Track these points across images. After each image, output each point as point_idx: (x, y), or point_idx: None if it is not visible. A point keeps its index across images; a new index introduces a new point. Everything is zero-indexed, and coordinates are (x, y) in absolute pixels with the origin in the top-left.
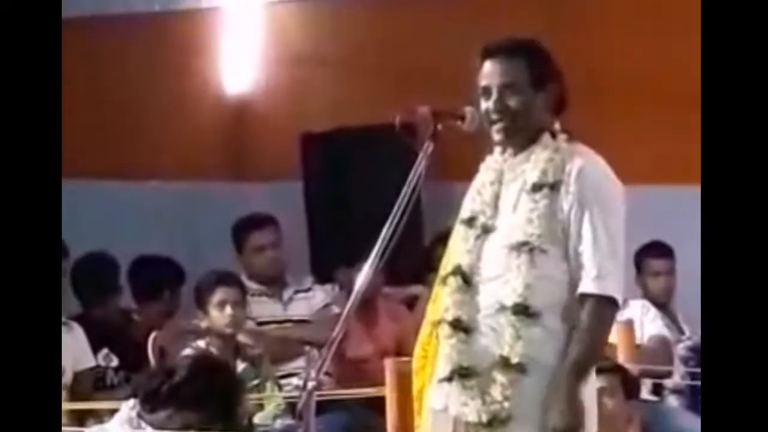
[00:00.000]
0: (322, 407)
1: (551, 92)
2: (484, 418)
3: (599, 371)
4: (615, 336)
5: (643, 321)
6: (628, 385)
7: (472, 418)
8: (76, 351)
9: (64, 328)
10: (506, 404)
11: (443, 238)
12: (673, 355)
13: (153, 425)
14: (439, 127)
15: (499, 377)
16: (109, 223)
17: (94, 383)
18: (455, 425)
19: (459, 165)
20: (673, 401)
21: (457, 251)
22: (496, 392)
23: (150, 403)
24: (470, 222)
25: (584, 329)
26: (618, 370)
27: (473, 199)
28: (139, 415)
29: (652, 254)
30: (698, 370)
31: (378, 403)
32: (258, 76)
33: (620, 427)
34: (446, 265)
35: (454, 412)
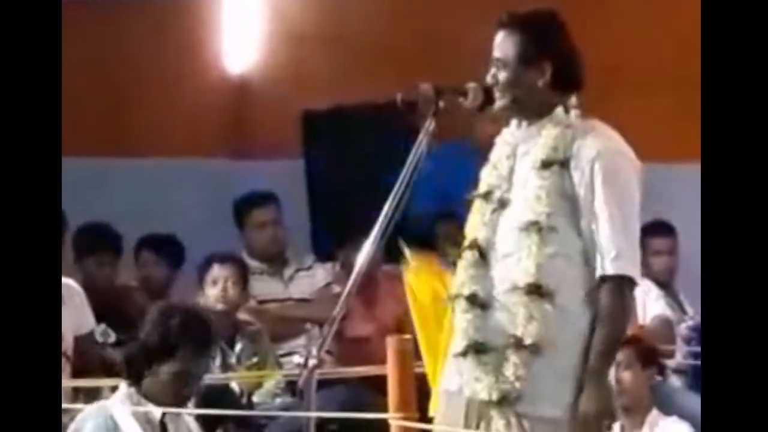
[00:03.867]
0: (323, 385)
1: (542, 69)
2: (495, 396)
3: None
4: None
5: (646, 301)
6: (644, 356)
7: (483, 395)
8: (79, 316)
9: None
10: (517, 384)
11: (444, 217)
12: (675, 335)
13: (149, 397)
14: (441, 104)
15: (513, 357)
16: (111, 201)
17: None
18: (468, 407)
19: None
20: (675, 381)
21: (473, 225)
22: (508, 371)
23: (133, 373)
24: (487, 196)
25: (605, 312)
26: (632, 342)
27: (489, 173)
28: (138, 391)
29: (654, 233)
30: (700, 349)
31: (379, 381)
32: (259, 54)
33: (640, 398)
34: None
35: (467, 392)
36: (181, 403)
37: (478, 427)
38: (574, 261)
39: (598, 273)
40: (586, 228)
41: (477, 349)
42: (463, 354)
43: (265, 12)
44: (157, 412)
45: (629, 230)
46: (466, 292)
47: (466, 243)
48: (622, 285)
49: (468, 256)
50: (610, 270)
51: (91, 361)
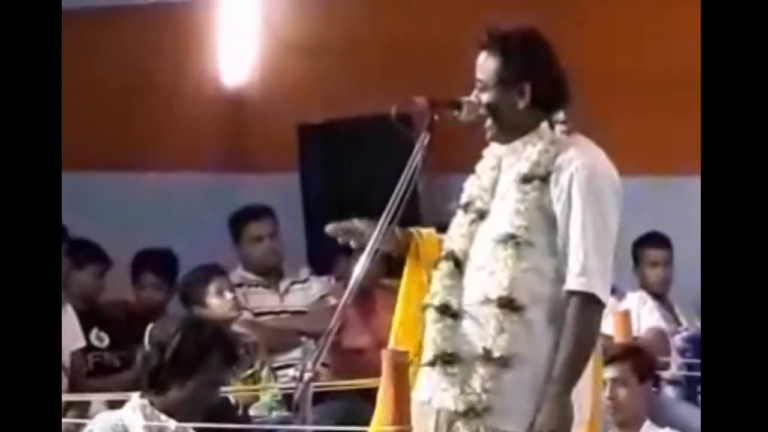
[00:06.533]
0: (319, 398)
1: (522, 91)
2: (461, 408)
3: (610, 361)
4: (612, 327)
5: (640, 313)
6: (641, 370)
7: (449, 405)
8: (70, 331)
9: None
10: (484, 396)
11: (440, 229)
12: (670, 347)
13: (167, 412)
14: (436, 117)
15: (480, 369)
16: (106, 215)
17: (93, 369)
18: (437, 417)
19: (456, 155)
20: (670, 392)
21: (451, 235)
22: (475, 383)
23: (156, 384)
24: (467, 207)
25: (569, 328)
26: (628, 356)
27: (472, 184)
28: (152, 403)
29: (649, 245)
30: (695, 360)
31: (375, 394)
32: (255, 67)
33: (636, 414)
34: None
35: (436, 403)
36: (203, 412)
37: None
38: (547, 277)
39: (565, 288)
40: (561, 244)
41: (445, 359)
42: (432, 364)
43: (260, 26)
44: (170, 424)
45: (601, 249)
46: (436, 302)
47: (443, 253)
48: (587, 302)
49: (443, 266)
50: (576, 286)
51: (83, 376)
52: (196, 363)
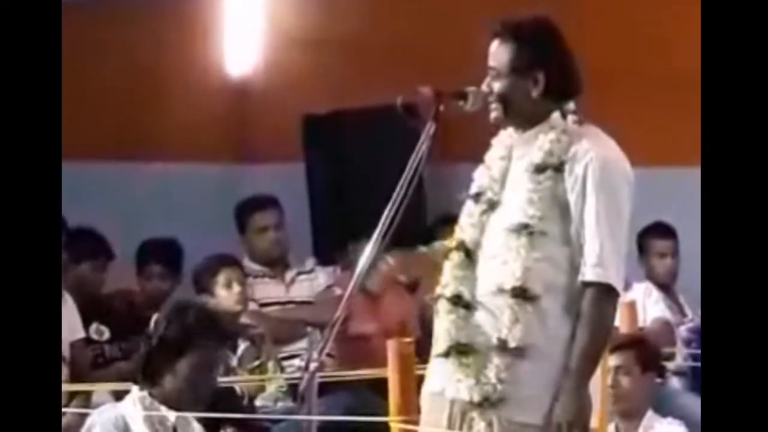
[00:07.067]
0: (325, 388)
1: (536, 79)
2: (476, 398)
3: (614, 349)
4: (618, 318)
5: (646, 304)
6: (644, 359)
7: (464, 396)
8: (69, 322)
9: None
10: (499, 386)
11: (445, 219)
12: (675, 338)
13: (167, 403)
14: (441, 107)
15: (496, 359)
16: (112, 205)
17: (93, 360)
18: (451, 408)
19: (462, 145)
20: (675, 383)
21: (462, 226)
22: (491, 373)
23: (148, 373)
24: (477, 197)
25: (585, 319)
26: (633, 345)
27: (482, 174)
28: (151, 395)
29: (655, 235)
30: (700, 351)
31: (380, 385)
32: (260, 58)
33: (638, 404)
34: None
35: (449, 394)
36: (203, 398)
37: (461, 428)
38: (561, 267)
39: (580, 278)
40: (575, 234)
41: (459, 350)
42: (446, 355)
43: (265, 16)
44: (170, 415)
45: (616, 239)
46: (448, 293)
47: (453, 244)
48: (603, 293)
49: (454, 257)
50: (591, 276)
51: (85, 367)
52: (182, 345)
